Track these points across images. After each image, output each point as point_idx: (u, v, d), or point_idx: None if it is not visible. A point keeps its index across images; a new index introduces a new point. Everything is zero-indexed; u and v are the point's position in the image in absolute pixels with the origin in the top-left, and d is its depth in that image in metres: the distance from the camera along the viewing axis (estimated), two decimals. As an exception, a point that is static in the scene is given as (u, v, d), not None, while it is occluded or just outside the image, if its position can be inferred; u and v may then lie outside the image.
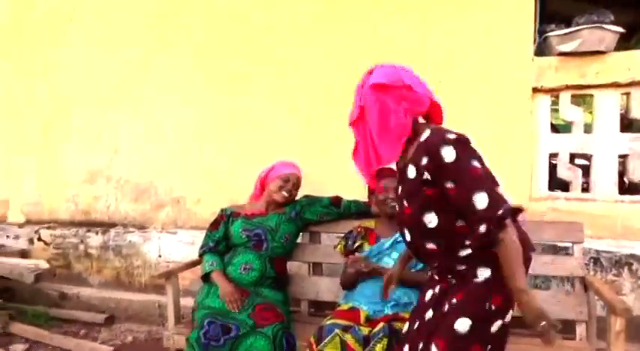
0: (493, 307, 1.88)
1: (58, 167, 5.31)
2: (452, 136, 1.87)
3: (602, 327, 3.01)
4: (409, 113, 2.04)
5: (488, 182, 1.81)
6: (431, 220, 1.95)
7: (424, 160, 1.90)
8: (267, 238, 3.26)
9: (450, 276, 2.03)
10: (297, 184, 3.42)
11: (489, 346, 1.91)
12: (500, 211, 1.75)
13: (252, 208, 3.45)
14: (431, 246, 2.01)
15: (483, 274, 1.91)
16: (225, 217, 3.42)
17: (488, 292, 1.89)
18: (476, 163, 1.83)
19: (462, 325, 1.89)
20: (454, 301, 1.96)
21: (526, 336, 2.95)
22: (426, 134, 1.96)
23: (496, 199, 1.77)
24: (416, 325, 2.10)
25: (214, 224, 3.44)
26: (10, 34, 5.53)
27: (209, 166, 4.61)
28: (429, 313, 2.08)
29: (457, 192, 1.83)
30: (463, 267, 1.97)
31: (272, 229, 3.29)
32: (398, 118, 2.00)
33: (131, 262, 4.87)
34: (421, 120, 2.13)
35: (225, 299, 2.99)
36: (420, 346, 2.00)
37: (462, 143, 1.86)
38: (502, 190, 1.81)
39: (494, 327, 1.90)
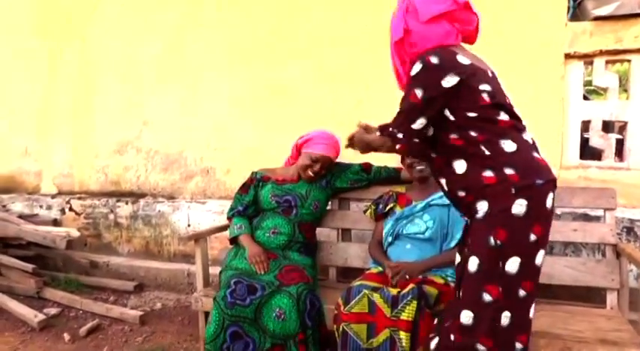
0: (499, 242, 1.84)
1: (89, 139, 5.38)
2: (432, 59, 1.92)
3: (634, 300, 2.98)
4: (460, 33, 2.07)
5: (408, 109, 1.99)
6: (425, 128, 2.03)
7: None
8: (296, 204, 3.25)
9: (463, 212, 2.07)
10: (326, 166, 3.33)
11: (507, 287, 1.86)
12: (390, 128, 2.06)
13: (284, 174, 3.44)
14: (434, 156, 2.11)
15: (482, 208, 1.90)
16: (255, 181, 3.41)
17: (489, 228, 1.87)
18: (418, 92, 1.93)
19: (472, 264, 1.91)
20: (469, 241, 1.98)
21: (551, 303, 2.93)
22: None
23: (398, 121, 2.04)
24: None
25: (244, 188, 3.44)
26: (42, 8, 5.58)
27: (239, 137, 4.62)
28: (457, 259, 2.14)
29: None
30: (463, 194, 1.98)
31: (302, 196, 3.28)
32: (448, 38, 2.04)
33: (160, 232, 4.93)
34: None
35: (252, 261, 2.99)
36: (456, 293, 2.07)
37: (428, 69, 1.93)
38: (418, 126, 1.98)
39: (511, 265, 1.84)
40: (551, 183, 1.93)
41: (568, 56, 3.58)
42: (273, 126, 4.43)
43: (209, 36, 4.75)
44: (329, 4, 4.27)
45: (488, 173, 1.88)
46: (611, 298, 2.90)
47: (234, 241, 3.25)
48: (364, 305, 2.47)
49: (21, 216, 5.14)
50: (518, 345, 1.90)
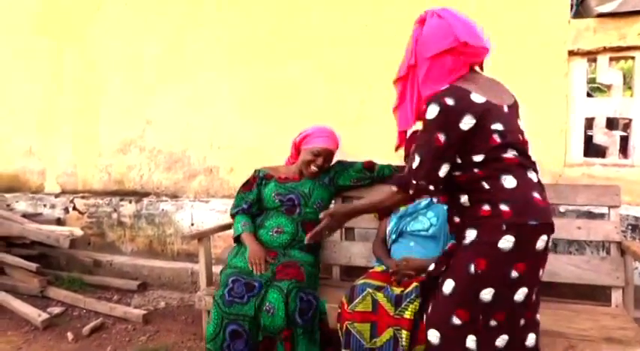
0: (478, 271, 1.83)
1: (92, 138, 5.37)
2: (448, 101, 1.86)
3: (638, 297, 2.97)
4: (467, 64, 2.03)
5: (432, 155, 1.91)
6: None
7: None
8: (300, 203, 3.25)
9: (455, 236, 2.05)
10: (328, 158, 3.37)
11: (478, 314, 1.86)
12: (414, 181, 1.96)
13: (286, 172, 3.44)
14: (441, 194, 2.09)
15: (470, 236, 1.89)
16: (258, 179, 3.41)
17: (472, 255, 1.86)
18: (441, 136, 1.87)
19: (447, 286, 1.92)
20: (450, 262, 1.98)
21: (556, 301, 2.92)
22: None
23: (422, 172, 1.93)
24: None
25: (247, 186, 3.43)
26: (45, 7, 5.58)
27: (242, 136, 4.61)
28: (430, 268, 2.15)
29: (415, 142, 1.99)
30: (458, 220, 1.99)
31: (305, 194, 3.28)
32: (454, 73, 1.99)
33: (163, 231, 4.93)
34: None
35: (250, 260, 2.99)
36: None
37: (445, 112, 1.87)
38: (443, 172, 1.91)
39: (485, 294, 1.84)
40: (546, 226, 1.89)
41: (571, 53, 3.55)
42: (276, 125, 4.42)
43: (211, 35, 4.74)
44: (330, 3, 4.25)
45: (485, 207, 1.87)
46: (616, 296, 2.89)
47: (238, 239, 3.24)
48: (368, 304, 2.46)
49: (25, 215, 5.14)
50: None
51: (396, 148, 2.35)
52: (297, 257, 3.14)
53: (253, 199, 3.36)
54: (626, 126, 3.71)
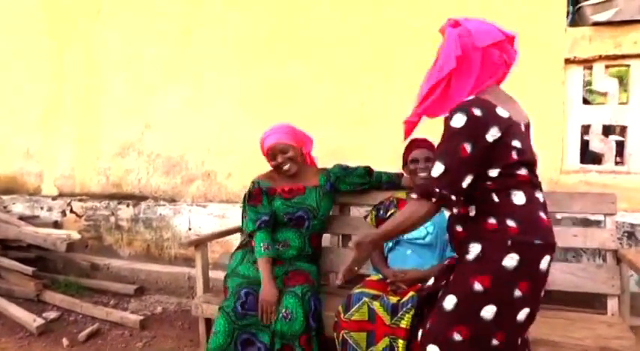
0: (481, 288, 1.82)
1: (91, 141, 5.39)
2: (476, 111, 1.84)
3: (635, 305, 2.98)
4: (508, 66, 2.06)
5: (457, 165, 1.83)
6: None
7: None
8: (309, 217, 3.19)
9: (455, 248, 2.04)
10: (285, 151, 3.16)
11: (479, 332, 1.85)
12: (437, 189, 1.83)
13: (287, 183, 3.27)
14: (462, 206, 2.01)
15: (475, 250, 1.89)
16: (263, 193, 3.21)
17: (475, 272, 1.86)
18: (467, 146, 1.82)
19: (449, 302, 1.90)
20: (451, 277, 1.97)
21: (551, 309, 2.92)
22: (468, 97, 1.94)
23: (445, 180, 1.84)
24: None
25: (254, 199, 3.19)
26: (46, 9, 5.59)
27: (240, 141, 4.60)
28: (430, 282, 2.15)
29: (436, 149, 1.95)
30: (460, 229, 1.98)
31: (313, 209, 3.21)
32: (496, 74, 2.02)
33: (161, 235, 4.94)
34: None
35: (261, 306, 2.79)
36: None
37: (473, 122, 1.83)
38: (466, 183, 1.85)
39: (487, 312, 1.82)
40: (549, 246, 1.90)
41: (568, 61, 3.57)
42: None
43: (211, 39, 4.75)
44: (331, 4, 4.26)
45: (491, 220, 1.87)
46: (612, 304, 2.89)
47: (241, 246, 3.24)
48: (364, 313, 2.48)
49: (22, 217, 5.15)
50: None
51: (405, 137, 2.28)
52: (304, 267, 3.13)
53: (270, 211, 3.15)
54: (622, 133, 3.72)
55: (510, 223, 1.84)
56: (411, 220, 1.94)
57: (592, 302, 3.12)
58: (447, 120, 1.88)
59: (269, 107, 4.48)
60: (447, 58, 2.02)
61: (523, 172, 1.91)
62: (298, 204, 3.20)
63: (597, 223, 3.27)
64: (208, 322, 3.20)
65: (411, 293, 2.45)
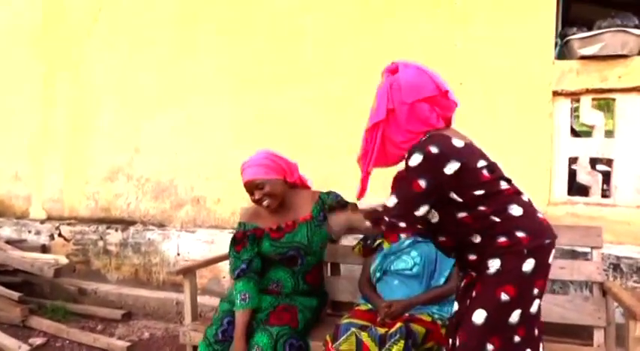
0: (507, 297, 1.90)
1: (80, 165, 5.39)
2: (432, 149, 1.93)
3: (620, 335, 2.99)
4: (440, 118, 2.10)
5: (409, 198, 2.00)
6: (433, 215, 2.06)
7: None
8: (301, 254, 3.02)
9: (469, 269, 2.10)
10: (262, 185, 2.92)
11: (512, 337, 1.94)
12: (386, 218, 2.05)
13: (275, 218, 3.07)
14: (443, 239, 2.13)
15: (494, 265, 1.94)
16: (247, 238, 3.03)
17: (499, 284, 1.93)
18: (422, 182, 1.94)
19: (478, 316, 1.95)
20: (473, 294, 2.02)
21: (555, 342, 2.93)
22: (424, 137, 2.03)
23: (395, 211, 2.03)
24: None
25: (238, 244, 3.02)
26: (39, 35, 5.62)
27: (230, 166, 4.56)
28: (455, 307, 2.18)
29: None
30: (474, 257, 2.02)
31: (305, 246, 3.00)
32: (428, 125, 2.07)
33: (150, 260, 4.92)
34: None
35: None
36: (450, 341, 2.10)
37: (430, 160, 1.94)
38: (421, 212, 1.99)
39: (514, 317, 1.92)
40: (554, 241, 2.01)
41: (556, 94, 3.63)
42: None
43: (201, 65, 4.78)
44: (323, 33, 4.32)
45: (502, 239, 1.94)
46: (598, 336, 2.90)
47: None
48: (352, 343, 2.46)
49: (9, 241, 5.13)
50: None
51: (359, 197, 2.32)
52: (298, 302, 3.01)
53: (251, 256, 2.98)
54: (609, 164, 3.77)
55: (520, 234, 1.92)
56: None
57: (579, 333, 3.13)
58: (407, 159, 2.00)
59: (259, 133, 4.50)
60: (378, 108, 2.16)
61: (505, 185, 2.02)
62: (287, 243, 3.00)
63: (584, 255, 3.30)
64: (196, 350, 3.18)
65: (398, 324, 2.45)
